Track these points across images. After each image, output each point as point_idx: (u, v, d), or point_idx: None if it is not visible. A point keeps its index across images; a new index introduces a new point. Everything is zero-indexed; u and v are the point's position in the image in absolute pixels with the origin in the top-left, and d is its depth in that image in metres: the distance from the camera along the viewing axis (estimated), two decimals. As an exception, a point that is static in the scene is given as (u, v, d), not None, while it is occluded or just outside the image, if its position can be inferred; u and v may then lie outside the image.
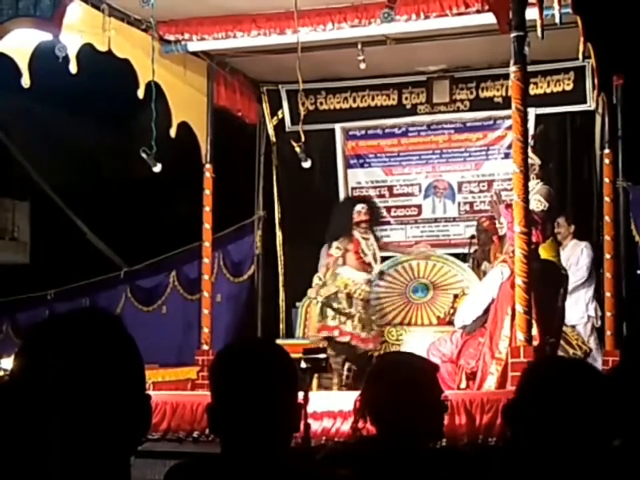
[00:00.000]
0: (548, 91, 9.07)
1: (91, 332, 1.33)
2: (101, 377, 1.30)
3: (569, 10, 6.20)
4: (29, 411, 1.27)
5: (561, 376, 1.94)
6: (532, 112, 8.48)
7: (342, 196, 9.83)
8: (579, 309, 8.51)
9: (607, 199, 8.38)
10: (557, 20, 6.08)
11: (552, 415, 1.86)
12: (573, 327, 8.24)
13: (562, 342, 7.66)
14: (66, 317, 1.37)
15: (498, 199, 7.33)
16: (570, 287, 8.33)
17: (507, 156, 8.85)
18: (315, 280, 8.05)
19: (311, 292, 8.12)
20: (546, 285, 6.73)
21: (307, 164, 7.91)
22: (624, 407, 2.17)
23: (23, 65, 6.75)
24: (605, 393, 1.92)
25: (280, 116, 9.91)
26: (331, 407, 6.16)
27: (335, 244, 8.03)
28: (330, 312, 7.93)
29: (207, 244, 8.85)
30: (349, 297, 7.97)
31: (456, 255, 8.84)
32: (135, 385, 1.35)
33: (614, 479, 2.02)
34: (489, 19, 6.79)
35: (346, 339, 7.84)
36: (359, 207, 8.15)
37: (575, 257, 8.66)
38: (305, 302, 8.76)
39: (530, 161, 6.57)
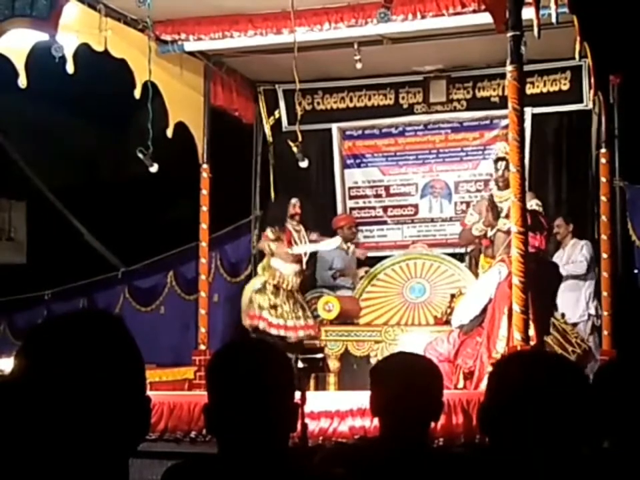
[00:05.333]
0: (545, 90, 9.08)
1: (92, 333, 1.33)
2: (102, 378, 1.29)
3: (566, 9, 6.20)
4: (29, 411, 1.27)
5: (529, 370, 1.88)
6: (529, 111, 8.50)
7: (339, 196, 9.85)
8: (579, 307, 8.52)
9: (603, 198, 8.38)
10: (554, 19, 6.07)
11: (528, 411, 1.80)
12: (574, 325, 8.24)
13: (561, 340, 7.67)
14: (67, 317, 1.36)
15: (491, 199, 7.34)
16: (569, 280, 8.36)
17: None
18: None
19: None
20: (544, 285, 6.74)
21: (303, 164, 7.91)
22: (613, 407, 2.15)
23: (20, 65, 6.74)
24: (579, 385, 1.87)
25: (277, 116, 9.91)
26: (328, 406, 6.16)
27: (269, 229, 8.51)
28: (259, 300, 8.36)
29: (203, 244, 8.85)
30: (277, 288, 8.39)
31: (453, 255, 8.84)
32: (136, 386, 1.35)
33: None
34: (485, 18, 6.79)
35: (279, 331, 8.22)
36: (294, 201, 8.59)
37: (575, 255, 8.68)
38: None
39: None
